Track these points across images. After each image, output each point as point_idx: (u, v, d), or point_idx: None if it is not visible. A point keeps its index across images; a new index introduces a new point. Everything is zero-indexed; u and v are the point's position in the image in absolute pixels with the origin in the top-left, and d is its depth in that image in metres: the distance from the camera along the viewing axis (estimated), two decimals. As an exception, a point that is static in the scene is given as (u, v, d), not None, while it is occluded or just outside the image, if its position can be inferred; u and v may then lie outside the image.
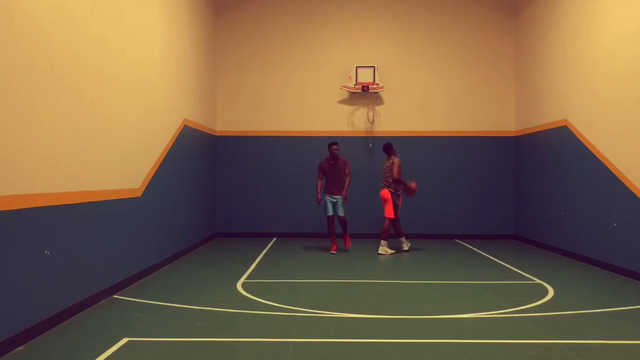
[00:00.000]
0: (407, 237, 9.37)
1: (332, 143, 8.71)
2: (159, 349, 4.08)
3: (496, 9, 11.10)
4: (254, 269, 7.38)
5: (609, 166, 7.36)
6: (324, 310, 5.11)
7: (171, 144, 7.79)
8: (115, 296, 5.63)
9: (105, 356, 3.79)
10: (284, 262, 8.06)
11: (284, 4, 11.13)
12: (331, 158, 8.71)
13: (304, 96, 11.10)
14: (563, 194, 8.76)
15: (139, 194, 6.49)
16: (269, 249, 9.31)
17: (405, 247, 9.13)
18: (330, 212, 8.73)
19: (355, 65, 10.82)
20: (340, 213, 8.70)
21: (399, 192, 8.86)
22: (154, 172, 7.01)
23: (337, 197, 8.68)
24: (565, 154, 8.70)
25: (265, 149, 11.07)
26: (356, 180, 10.96)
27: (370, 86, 10.75)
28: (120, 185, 5.91)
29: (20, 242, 4.07)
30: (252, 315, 4.98)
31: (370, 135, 10.99)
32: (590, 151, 7.86)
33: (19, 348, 3.97)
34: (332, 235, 8.93)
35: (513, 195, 11.00)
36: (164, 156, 7.43)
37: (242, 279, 6.63)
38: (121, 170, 5.95)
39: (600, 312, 5.18)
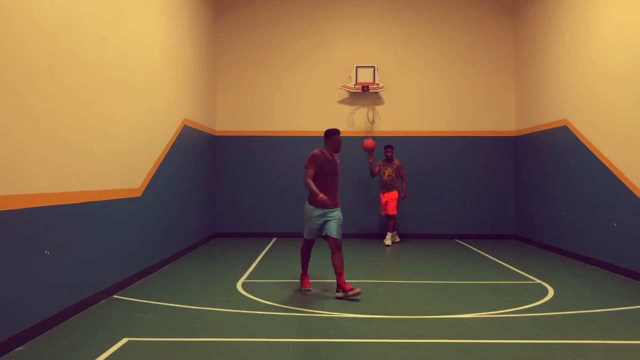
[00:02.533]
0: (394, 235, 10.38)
1: (336, 131, 5.98)
2: (159, 349, 4.08)
3: (496, 9, 11.10)
4: (254, 269, 7.38)
5: (608, 166, 7.36)
6: (324, 310, 5.11)
7: (171, 144, 7.79)
8: (115, 296, 5.63)
9: (105, 356, 3.80)
10: (284, 262, 8.05)
11: (284, 4, 11.13)
12: (329, 151, 5.96)
13: (304, 96, 11.10)
14: (563, 194, 8.76)
15: (139, 194, 6.49)
16: (269, 249, 9.31)
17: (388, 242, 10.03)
18: (313, 235, 5.92)
19: (355, 65, 10.82)
20: (336, 234, 5.73)
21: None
22: (154, 172, 7.01)
23: (334, 210, 5.86)
24: (565, 154, 8.70)
25: (266, 149, 11.07)
26: (357, 181, 10.98)
27: (370, 86, 10.75)
28: (120, 185, 5.91)
29: (20, 242, 4.07)
30: (252, 315, 4.97)
31: (370, 135, 10.99)
32: (590, 151, 7.86)
33: (19, 348, 3.97)
34: (306, 263, 6.12)
35: (513, 195, 11.00)
36: (164, 156, 7.43)
37: (242, 279, 6.63)
38: (121, 170, 5.95)
39: (600, 312, 5.18)
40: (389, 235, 9.93)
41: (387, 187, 9.91)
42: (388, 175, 9.93)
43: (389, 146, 10.05)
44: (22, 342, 4.04)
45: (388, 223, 10.06)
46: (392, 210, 9.83)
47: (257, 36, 11.11)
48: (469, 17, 11.09)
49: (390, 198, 9.83)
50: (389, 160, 10.02)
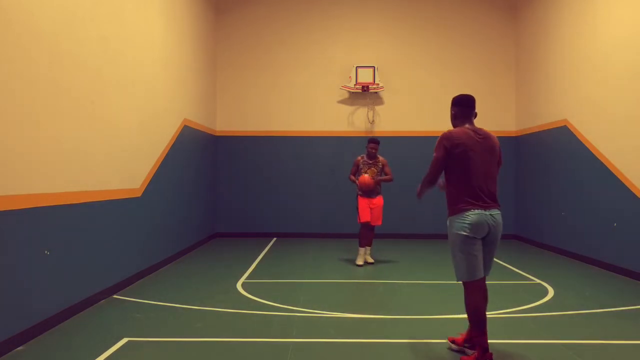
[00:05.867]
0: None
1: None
2: (159, 349, 4.08)
3: (497, 9, 11.10)
4: (254, 269, 7.38)
5: (608, 166, 7.36)
6: (324, 310, 5.11)
7: (171, 144, 7.79)
8: (115, 296, 5.63)
9: (105, 356, 3.80)
10: (284, 262, 8.05)
11: (284, 4, 11.13)
12: (477, 135, 3.84)
13: (304, 96, 11.10)
14: (563, 194, 8.76)
15: (139, 194, 6.49)
16: (269, 249, 9.31)
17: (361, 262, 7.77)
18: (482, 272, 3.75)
19: (355, 65, 10.82)
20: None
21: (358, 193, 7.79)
22: (154, 172, 7.01)
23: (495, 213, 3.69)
24: (565, 154, 8.70)
25: (265, 149, 11.07)
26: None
27: (370, 86, 10.75)
28: (120, 185, 5.91)
29: (20, 242, 4.07)
30: (252, 315, 4.97)
31: (370, 135, 10.99)
32: (590, 151, 7.86)
33: (19, 348, 3.97)
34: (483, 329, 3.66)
35: (513, 195, 11.00)
36: (164, 156, 7.43)
37: (242, 279, 6.63)
38: (121, 170, 5.95)
39: (600, 312, 5.18)
40: (367, 250, 7.84)
41: (370, 191, 7.62)
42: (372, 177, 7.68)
43: (374, 140, 7.79)
44: (22, 342, 4.04)
45: (366, 235, 7.73)
46: (378, 219, 7.69)
47: (258, 36, 11.11)
48: (469, 17, 11.09)
49: (376, 204, 7.68)
50: (371, 157, 7.76)
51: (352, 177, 7.82)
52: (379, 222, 7.76)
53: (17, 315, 4.03)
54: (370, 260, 7.90)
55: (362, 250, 7.78)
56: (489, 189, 3.68)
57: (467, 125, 3.79)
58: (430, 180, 3.80)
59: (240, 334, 4.43)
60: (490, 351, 3.56)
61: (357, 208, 7.72)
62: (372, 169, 7.72)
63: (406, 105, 11.10)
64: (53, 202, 4.50)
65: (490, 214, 3.62)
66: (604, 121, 7.53)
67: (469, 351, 3.84)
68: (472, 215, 3.58)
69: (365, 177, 7.50)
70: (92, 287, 5.24)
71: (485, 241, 3.69)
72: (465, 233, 3.59)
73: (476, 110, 3.90)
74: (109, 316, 4.90)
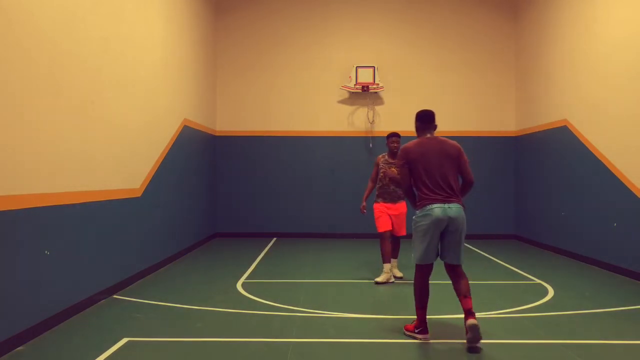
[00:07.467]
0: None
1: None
2: (159, 349, 4.08)
3: (497, 9, 11.10)
4: (254, 269, 7.38)
5: (608, 166, 7.36)
6: (324, 310, 5.11)
7: (171, 144, 7.79)
8: (115, 296, 5.63)
9: (105, 356, 3.80)
10: (284, 262, 8.05)
11: (284, 5, 11.13)
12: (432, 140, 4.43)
13: (304, 96, 11.10)
14: (563, 194, 8.76)
15: (139, 194, 6.49)
16: (269, 249, 9.31)
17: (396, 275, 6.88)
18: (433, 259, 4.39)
19: (355, 65, 10.82)
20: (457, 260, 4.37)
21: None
22: (154, 172, 7.01)
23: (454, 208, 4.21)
24: (565, 154, 8.70)
25: (265, 149, 11.07)
26: (358, 182, 10.96)
27: (370, 86, 10.75)
28: (120, 185, 5.91)
29: (20, 242, 4.07)
30: (252, 315, 4.97)
31: (370, 135, 10.99)
32: (590, 151, 7.86)
33: (19, 348, 3.97)
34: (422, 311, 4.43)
35: (513, 195, 11.00)
36: (164, 156, 7.43)
37: (242, 279, 6.63)
38: (121, 170, 5.95)
39: (600, 312, 5.18)
40: (394, 263, 6.79)
41: (393, 196, 6.62)
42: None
43: (396, 134, 6.86)
44: (22, 342, 4.04)
45: (388, 248, 6.50)
46: (401, 228, 6.67)
47: (258, 36, 11.10)
48: (470, 17, 11.09)
49: (399, 212, 6.64)
50: (393, 154, 6.70)
51: (367, 193, 6.82)
52: (403, 232, 6.66)
53: (17, 315, 4.03)
54: (399, 274, 6.78)
55: (386, 266, 6.49)
56: (447, 185, 4.24)
57: (427, 135, 4.48)
58: (404, 189, 4.48)
59: (240, 334, 4.43)
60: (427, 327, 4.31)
61: (375, 215, 6.66)
62: (392, 168, 6.59)
63: (406, 105, 11.08)
64: (53, 202, 4.50)
65: (449, 207, 4.17)
66: (604, 121, 7.53)
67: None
68: (431, 209, 4.18)
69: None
70: (92, 287, 5.24)
71: (446, 232, 4.23)
72: (424, 225, 4.21)
73: (436, 123, 4.58)
74: (109, 316, 4.90)
